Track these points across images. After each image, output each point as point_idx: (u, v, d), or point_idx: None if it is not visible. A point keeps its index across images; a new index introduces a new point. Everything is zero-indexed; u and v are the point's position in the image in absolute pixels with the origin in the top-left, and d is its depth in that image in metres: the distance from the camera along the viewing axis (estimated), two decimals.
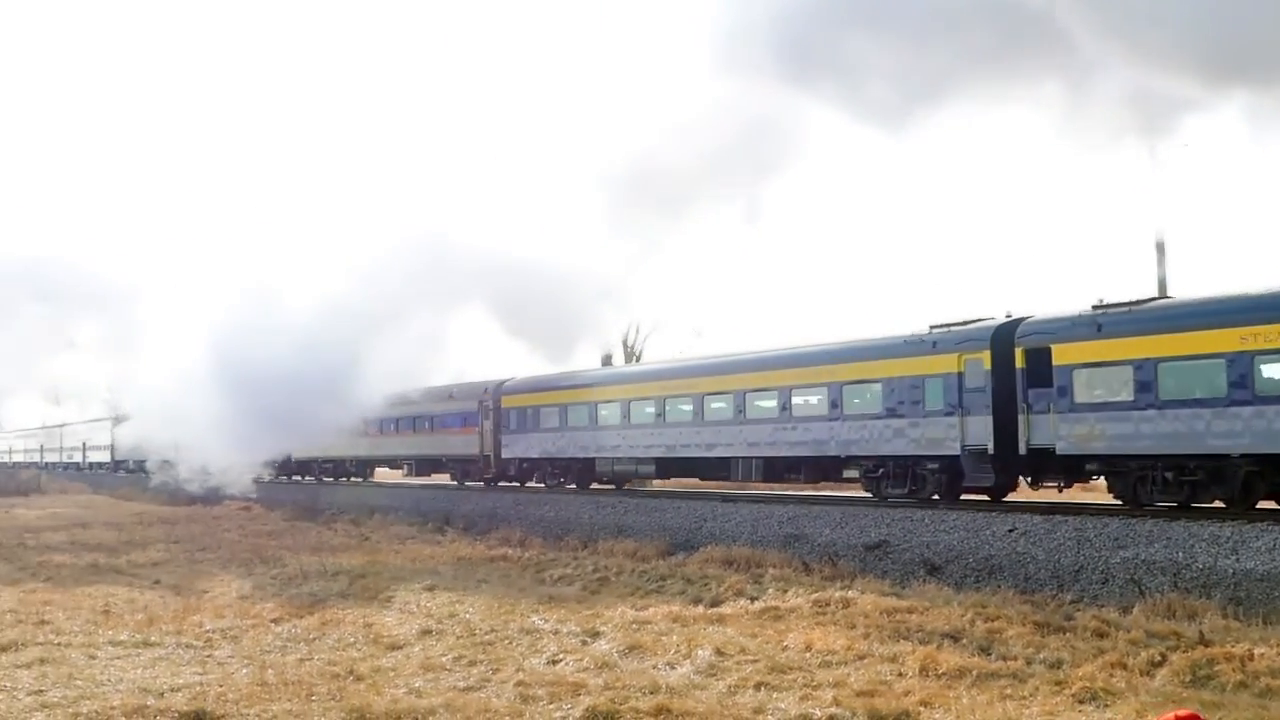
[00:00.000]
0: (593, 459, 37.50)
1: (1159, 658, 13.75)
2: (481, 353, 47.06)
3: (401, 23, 52.96)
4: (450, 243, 37.05)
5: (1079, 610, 17.07)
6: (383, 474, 54.69)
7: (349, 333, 38.73)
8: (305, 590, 21.61)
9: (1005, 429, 24.37)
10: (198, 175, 51.22)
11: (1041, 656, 14.08)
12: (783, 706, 11.96)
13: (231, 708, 12.01)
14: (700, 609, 18.28)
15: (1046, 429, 23.53)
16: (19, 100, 72.05)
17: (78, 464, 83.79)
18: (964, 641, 15.05)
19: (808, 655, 14.48)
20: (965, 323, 26.24)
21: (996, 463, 24.72)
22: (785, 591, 19.15)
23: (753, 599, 18.85)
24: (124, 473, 68.17)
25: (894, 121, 27.22)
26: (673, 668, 14.03)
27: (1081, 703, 11.99)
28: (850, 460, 28.49)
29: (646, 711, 11.69)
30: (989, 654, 14.38)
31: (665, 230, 37.03)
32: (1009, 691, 12.45)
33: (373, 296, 38.35)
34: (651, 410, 34.86)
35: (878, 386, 27.34)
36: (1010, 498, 26.25)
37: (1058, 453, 23.43)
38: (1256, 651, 13.59)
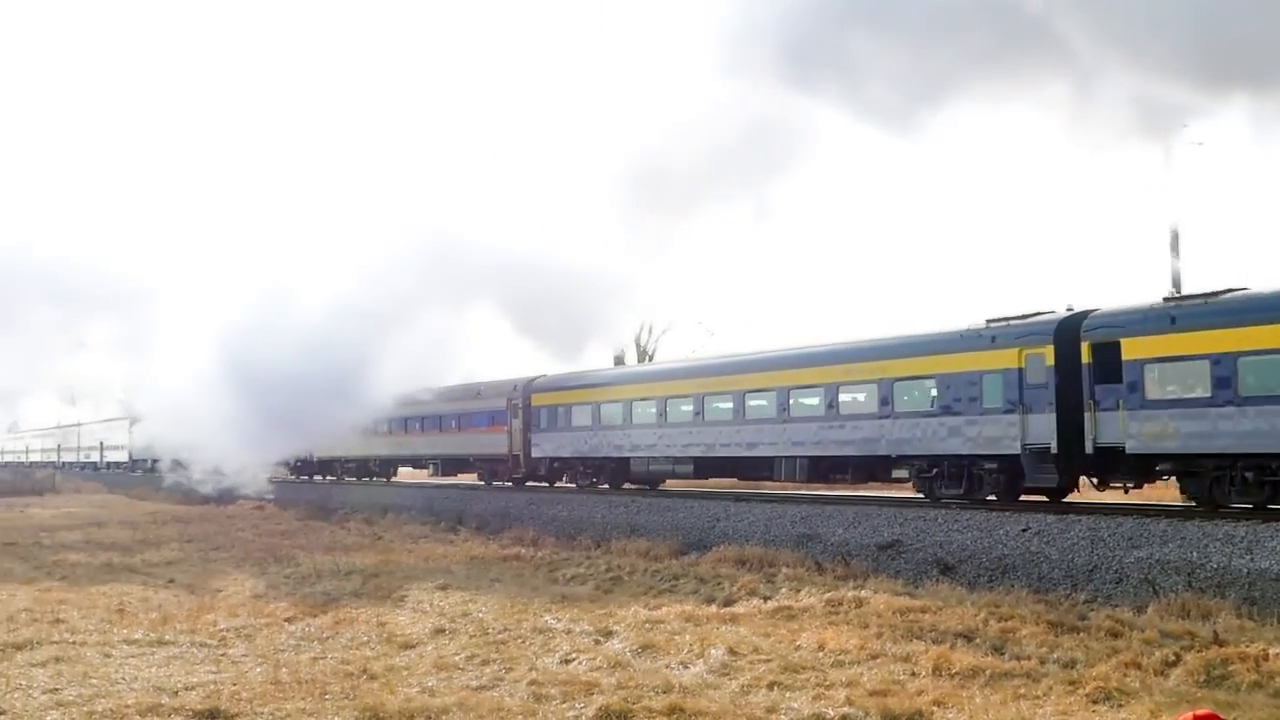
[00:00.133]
0: (627, 459, 36.74)
1: (1173, 658, 13.70)
2: (495, 353, 47.10)
3: (412, 23, 53.06)
4: (463, 242, 37.16)
5: (1093, 610, 17.03)
6: (406, 473, 54.33)
7: (368, 332, 38.83)
8: (319, 589, 21.65)
9: (1069, 427, 23.48)
10: (210, 176, 51.42)
11: (1055, 656, 14.05)
12: (796, 706, 11.95)
13: (245, 706, 12.04)
14: (713, 608, 18.28)
15: (1115, 427, 22.62)
16: (32, 102, 72.33)
17: (94, 463, 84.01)
18: (977, 641, 15.03)
19: (821, 655, 14.46)
20: (1024, 316, 25.37)
21: (1060, 462, 23.81)
22: (798, 591, 19.13)
23: (766, 598, 18.84)
24: (141, 472, 68.33)
25: (897, 122, 27.20)
26: (686, 667, 14.03)
27: (1095, 703, 11.95)
28: (901, 460, 27.60)
29: (659, 711, 11.69)
30: (1002, 654, 14.35)
31: (675, 229, 37.09)
32: (1023, 691, 12.42)
33: (388, 296, 38.47)
34: (689, 408, 34.02)
35: (931, 383, 26.47)
36: (1046, 499, 25.38)
37: (1127, 451, 22.51)
38: (1271, 651, 13.53)
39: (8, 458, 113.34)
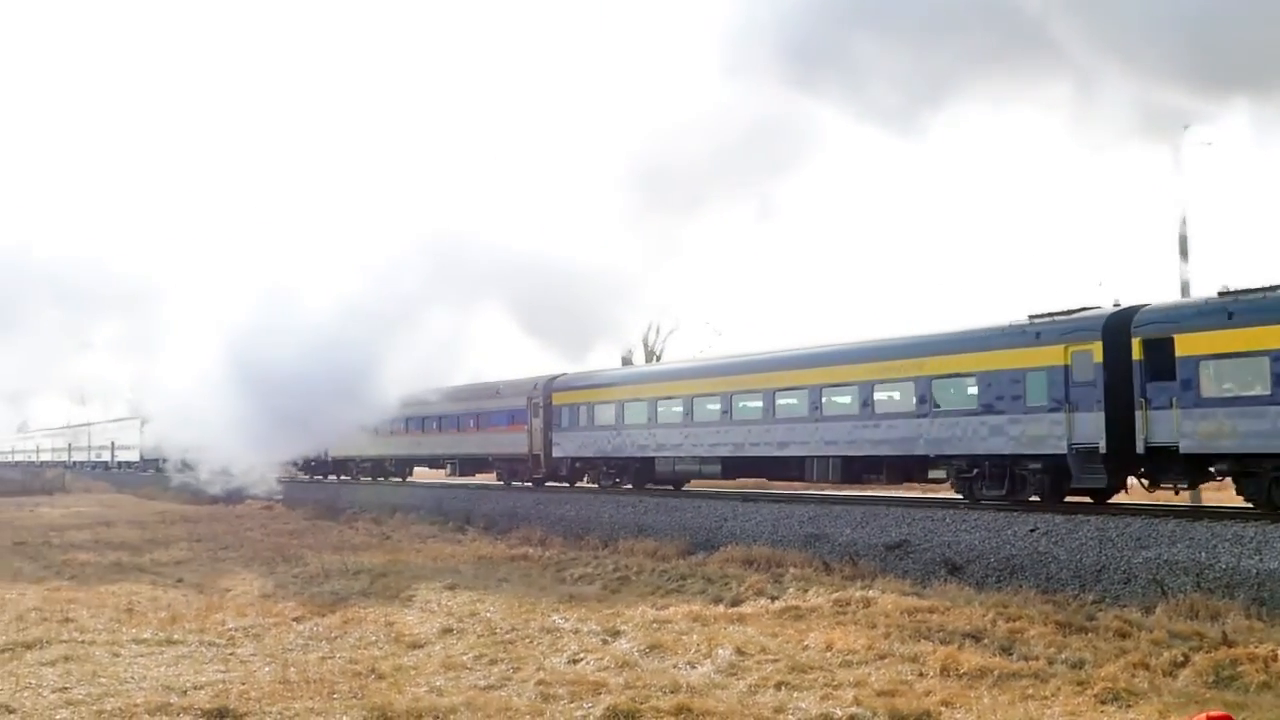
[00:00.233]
0: (652, 458, 35.82)
1: (1182, 658, 13.70)
2: (505, 353, 47.05)
3: (418, 24, 53.13)
4: (470, 242, 37.22)
5: (1101, 610, 16.99)
6: (421, 473, 53.97)
7: (379, 331, 38.85)
8: (327, 589, 21.70)
9: (1118, 426, 22.58)
10: (216, 175, 51.51)
11: (1063, 657, 14.04)
12: (803, 706, 11.95)
13: (254, 705, 12.07)
14: (721, 608, 18.29)
15: (1168, 426, 21.65)
16: (38, 103, 72.50)
17: (105, 463, 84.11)
18: (985, 641, 15.02)
19: (828, 655, 14.46)
20: (1069, 312, 24.49)
21: (1109, 463, 22.86)
22: (806, 591, 19.13)
23: (773, 598, 18.85)
24: (153, 472, 68.39)
25: (899, 123, 27.10)
26: (693, 667, 14.04)
27: (1104, 703, 11.95)
28: (940, 460, 26.81)
29: (667, 711, 11.70)
30: (1010, 654, 14.34)
31: (681, 228, 37.06)
32: (1031, 692, 12.42)
33: (397, 295, 38.48)
34: (717, 407, 33.05)
35: (972, 380, 25.63)
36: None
37: (1181, 451, 21.55)
38: None
39: (18, 457, 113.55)
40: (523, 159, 37.46)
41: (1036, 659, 13.94)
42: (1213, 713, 8.78)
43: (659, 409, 35.36)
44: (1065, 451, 23.47)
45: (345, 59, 58.22)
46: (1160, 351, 22.02)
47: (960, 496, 26.53)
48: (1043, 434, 23.92)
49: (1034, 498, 24.65)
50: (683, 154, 31.30)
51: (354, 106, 50.49)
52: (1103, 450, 22.77)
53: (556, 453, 40.24)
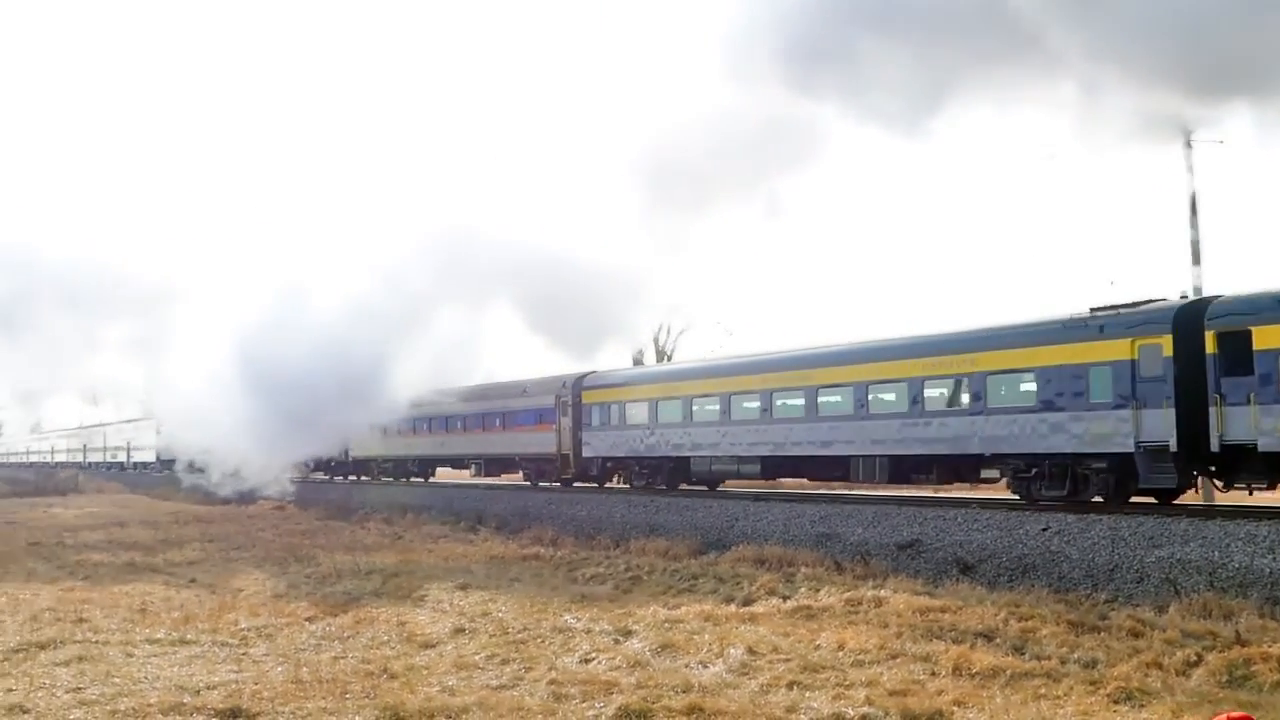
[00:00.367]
0: (687, 458, 34.84)
1: (1195, 658, 13.66)
2: (524, 354, 46.97)
3: (427, 25, 53.21)
4: (481, 241, 37.31)
5: (1114, 610, 16.96)
6: (444, 474, 53.65)
7: (394, 331, 38.88)
8: (339, 589, 21.75)
9: (1189, 423, 21.63)
10: (227, 177, 51.63)
11: (1076, 656, 14.01)
12: (815, 706, 11.94)
13: (267, 705, 12.10)
14: (732, 608, 18.29)
15: (1245, 423, 20.65)
16: (49, 106, 72.76)
17: (121, 464, 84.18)
18: (997, 641, 15.00)
19: (840, 654, 14.45)
20: (1135, 304, 23.47)
21: (1179, 461, 21.90)
22: (817, 590, 19.12)
23: (785, 598, 18.83)
24: (169, 472, 68.41)
25: (901, 125, 27.11)
26: (705, 666, 14.03)
27: (1116, 703, 11.92)
28: (995, 459, 25.82)
29: (679, 710, 11.70)
30: (1023, 653, 14.32)
31: (690, 226, 37.11)
32: (1043, 691, 12.40)
33: (412, 293, 38.54)
34: (756, 405, 31.98)
35: (1029, 376, 24.56)
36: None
37: (1260, 449, 20.53)
38: None
39: (33, 458, 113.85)
40: (531, 157, 37.59)
41: (1049, 658, 13.91)
42: (1231, 713, 8.73)
43: (695, 407, 34.46)
44: (1132, 450, 22.51)
45: (355, 59, 58.36)
46: (1236, 344, 21.02)
47: (1016, 497, 25.73)
48: (1108, 432, 22.93)
49: (1097, 498, 23.82)
50: (689, 152, 31.37)
51: (364, 107, 50.64)
52: (1173, 449, 21.80)
53: (587, 452, 39.41)
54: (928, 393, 26.93)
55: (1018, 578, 20.22)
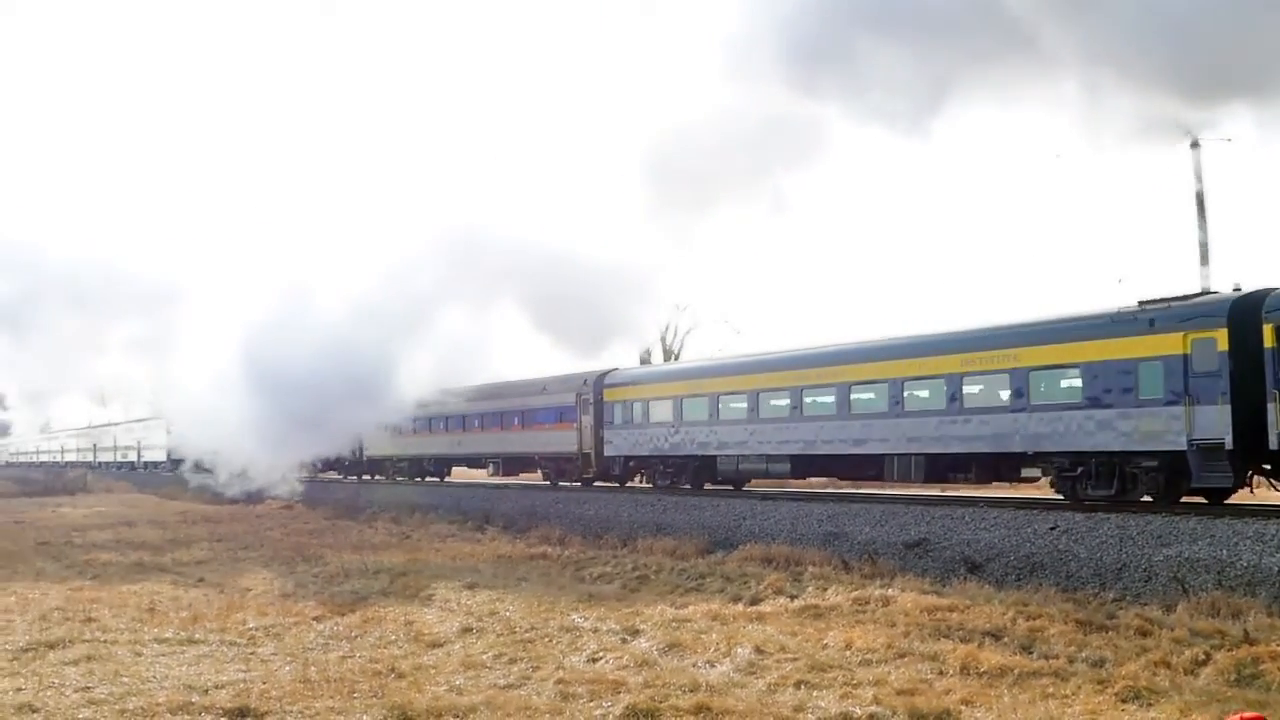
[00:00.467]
0: (713, 457, 34.07)
1: (1203, 656, 13.64)
2: (530, 352, 46.74)
3: (431, 24, 53.24)
4: (488, 237, 37.29)
5: (1122, 608, 16.92)
6: (460, 473, 53.25)
7: (406, 327, 38.86)
8: (347, 588, 21.77)
9: (1245, 420, 20.97)
10: (234, 176, 51.68)
11: (1084, 655, 14.00)
12: (823, 705, 11.95)
13: (275, 704, 12.13)
14: (740, 607, 18.29)
15: None
16: (56, 106, 72.96)
17: (132, 463, 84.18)
18: (1005, 640, 14.99)
19: (848, 653, 14.45)
20: (1187, 297, 22.81)
21: (1235, 460, 21.14)
22: (825, 589, 19.11)
23: (792, 597, 18.83)
24: (182, 472, 68.37)
25: (903, 125, 27.02)
26: (712, 666, 14.04)
27: (1125, 702, 11.91)
28: (1039, 457, 25.01)
29: (686, 709, 11.71)
30: (1031, 652, 14.31)
31: (696, 224, 37.07)
32: (1051, 690, 12.39)
33: (421, 290, 38.55)
34: (785, 402, 31.24)
35: (1075, 372, 23.77)
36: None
37: None
38: None
39: (43, 457, 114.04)
40: (535, 156, 37.59)
41: (1057, 657, 13.91)
42: (1245, 714, 8.70)
43: (721, 404, 33.72)
44: (1184, 448, 21.81)
45: (360, 59, 58.36)
46: None
47: (1060, 496, 25.06)
48: (1159, 429, 22.20)
49: (1146, 498, 23.11)
50: (693, 150, 31.30)
51: (370, 106, 50.61)
52: (1229, 446, 21.07)
53: (609, 451, 38.74)
54: (966, 389, 26.21)
55: (1025, 577, 20.20)
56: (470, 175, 39.12)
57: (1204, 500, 22.86)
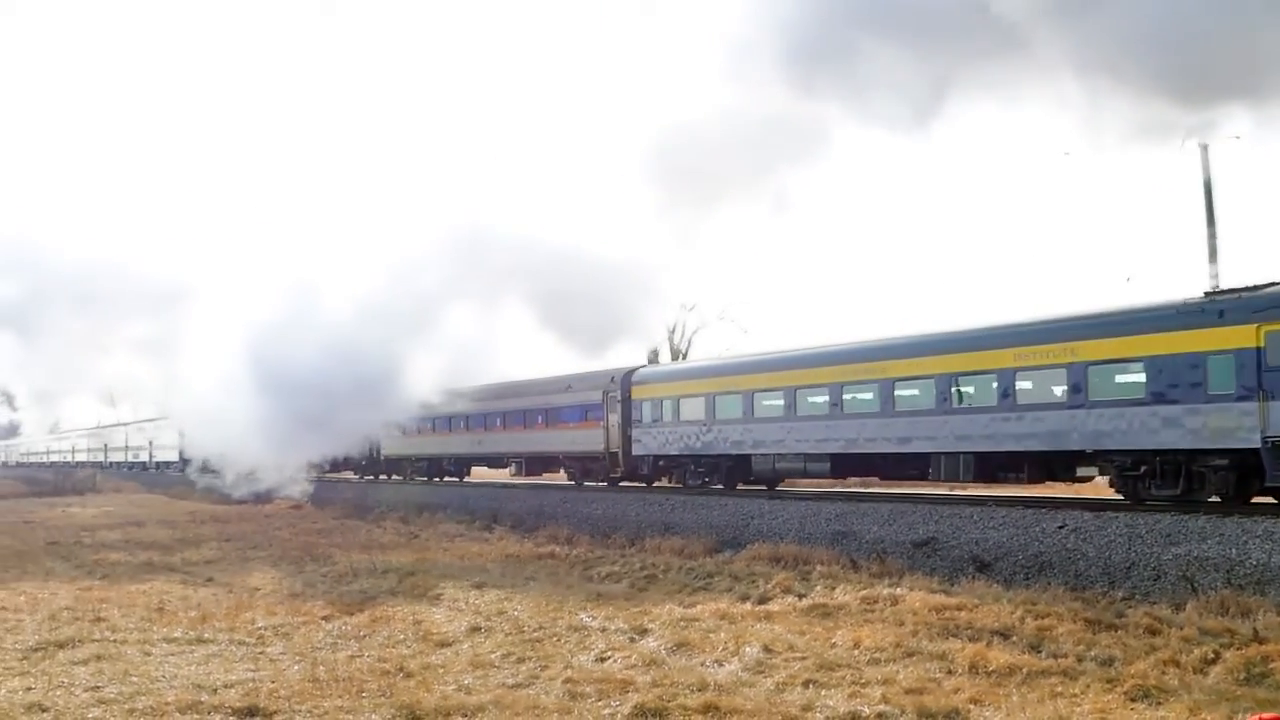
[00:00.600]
0: (748, 456, 33.14)
1: (1212, 655, 13.60)
2: (545, 351, 46.59)
3: (437, 24, 53.32)
4: (496, 237, 37.34)
5: (1130, 607, 16.89)
6: (480, 473, 52.99)
7: (419, 323, 38.87)
8: (355, 588, 21.81)
9: None
10: (240, 177, 51.80)
11: (1093, 654, 13.97)
12: (831, 704, 11.94)
13: (283, 704, 12.15)
14: (748, 606, 18.27)
15: None
16: (59, 108, 73.15)
17: (144, 463, 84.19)
18: (1014, 639, 14.96)
19: (856, 652, 14.44)
20: (1258, 287, 21.59)
21: None
22: (833, 589, 19.09)
23: (800, 596, 18.82)
24: (189, 474, 68.35)
25: (904, 127, 26.99)
26: (721, 665, 14.04)
27: (1134, 700, 11.88)
28: (1098, 455, 24.04)
29: (695, 709, 11.71)
30: (1039, 651, 14.29)
31: (702, 223, 37.06)
32: (1060, 689, 12.37)
33: (430, 287, 38.58)
34: (824, 399, 30.23)
35: (1138, 366, 22.72)
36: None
37: None
38: None
39: (53, 458, 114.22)
40: (539, 153, 37.62)
41: (1065, 656, 13.88)
42: (1264, 715, 8.65)
43: (756, 402, 32.67)
44: (1258, 445, 20.82)
45: (367, 58, 58.43)
46: None
47: (1120, 496, 24.14)
48: (1229, 426, 21.21)
49: (1214, 498, 22.23)
50: (696, 148, 31.26)
51: (375, 106, 50.74)
52: None
53: (637, 450, 37.79)
54: (1020, 385, 25.20)
55: (1034, 575, 20.17)
56: (475, 173, 39.21)
57: (1275, 501, 22.10)
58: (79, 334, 53.05)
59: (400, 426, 49.11)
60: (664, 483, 37.85)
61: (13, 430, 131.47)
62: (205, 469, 51.58)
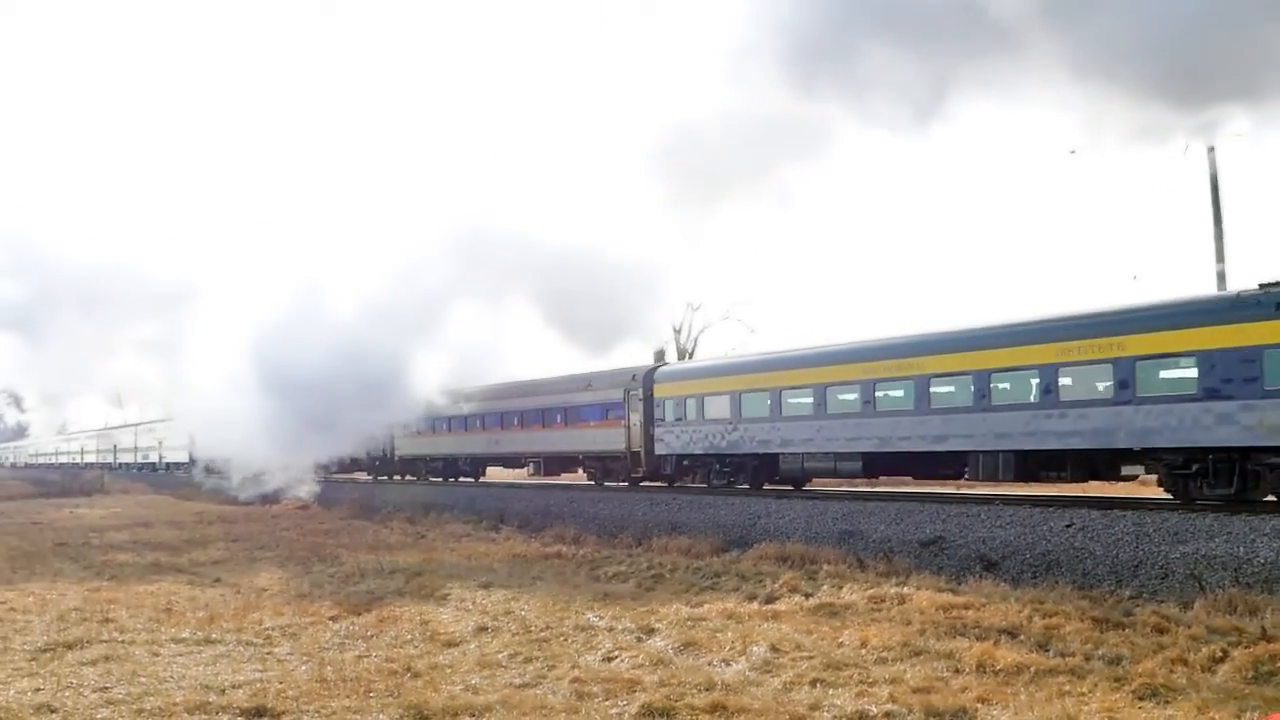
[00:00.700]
0: (775, 455, 32.34)
1: (1220, 654, 13.58)
2: (556, 351, 46.49)
3: (443, 24, 53.38)
4: (503, 232, 37.39)
5: (1138, 606, 16.86)
6: (495, 473, 52.73)
7: (424, 325, 38.86)
8: (362, 588, 21.82)
9: None
10: (241, 178, 51.89)
11: (1100, 653, 13.95)
12: (838, 703, 11.93)
13: (291, 704, 12.16)
14: (755, 605, 18.27)
15: None
16: (64, 110, 73.29)
17: (154, 464, 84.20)
18: (1021, 638, 14.94)
19: (863, 652, 14.43)
20: None
21: None
22: (840, 588, 19.08)
23: (807, 595, 18.81)
24: (193, 475, 68.29)
25: (904, 128, 26.99)
26: (728, 664, 14.04)
27: (1141, 699, 11.86)
28: (1146, 454, 23.30)
29: (702, 708, 11.71)
30: (1047, 650, 14.27)
31: (708, 221, 37.06)
32: (1067, 688, 12.35)
33: (438, 284, 38.58)
34: (855, 396, 29.48)
35: (1189, 360, 21.91)
36: None
37: None
38: None
39: (62, 458, 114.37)
40: (542, 151, 37.65)
41: (1073, 655, 13.86)
42: (1277, 715, 8.62)
43: (784, 399, 31.90)
44: None
45: (371, 59, 58.55)
46: None
47: (1169, 496, 23.42)
48: None
49: (1270, 497, 21.63)
50: (699, 146, 31.27)
51: (380, 106, 50.85)
52: None
53: (659, 449, 37.10)
54: (1063, 380, 24.37)
55: (1041, 574, 20.14)
56: (479, 172, 39.25)
57: None
58: (86, 335, 53.15)
59: (415, 426, 48.95)
60: (686, 483, 37.38)
61: (21, 431, 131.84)
62: (210, 470, 51.58)
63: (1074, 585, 18.88)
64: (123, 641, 16.18)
